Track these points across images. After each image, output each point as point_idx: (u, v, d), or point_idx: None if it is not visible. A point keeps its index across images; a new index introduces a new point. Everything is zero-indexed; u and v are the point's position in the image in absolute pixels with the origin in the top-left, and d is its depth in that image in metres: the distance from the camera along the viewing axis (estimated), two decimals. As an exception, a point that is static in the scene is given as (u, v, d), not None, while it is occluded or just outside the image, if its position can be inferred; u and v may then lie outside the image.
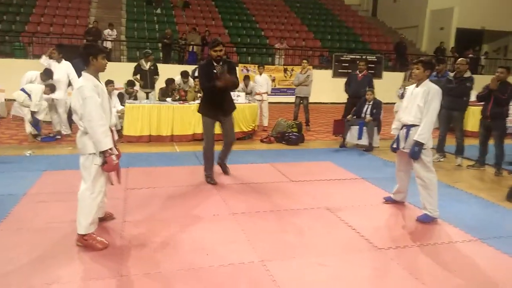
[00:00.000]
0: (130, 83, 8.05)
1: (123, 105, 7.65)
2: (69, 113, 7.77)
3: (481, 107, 6.18)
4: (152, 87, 9.07)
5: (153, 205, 4.33)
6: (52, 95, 7.23)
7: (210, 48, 4.95)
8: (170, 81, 8.60)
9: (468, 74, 6.39)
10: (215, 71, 4.87)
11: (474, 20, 19.53)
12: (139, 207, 4.25)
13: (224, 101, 5.06)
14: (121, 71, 10.54)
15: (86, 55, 3.26)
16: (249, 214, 4.17)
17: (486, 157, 6.33)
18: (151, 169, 5.69)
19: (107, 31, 14.40)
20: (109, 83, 7.81)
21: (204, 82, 4.97)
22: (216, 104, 5.00)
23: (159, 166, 5.85)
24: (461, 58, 6.52)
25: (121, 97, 7.97)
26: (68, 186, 4.75)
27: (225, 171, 5.58)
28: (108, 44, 14.15)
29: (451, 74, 6.51)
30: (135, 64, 9.20)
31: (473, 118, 8.62)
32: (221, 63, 4.90)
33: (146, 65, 8.85)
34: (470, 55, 18.60)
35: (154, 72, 9.00)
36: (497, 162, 6.03)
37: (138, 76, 8.85)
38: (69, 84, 7.58)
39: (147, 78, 8.83)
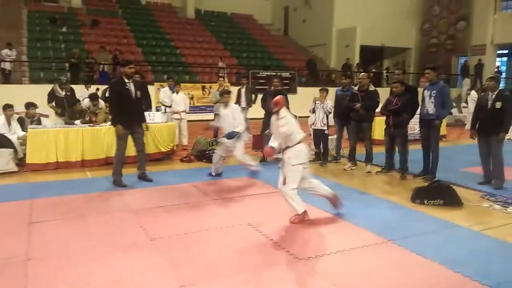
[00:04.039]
0: (29, 105, 7.39)
1: (25, 131, 7.00)
2: None
3: (385, 118, 6.71)
4: None
5: (62, 238, 3.96)
6: None
7: (124, 66, 5.85)
8: (74, 102, 8.11)
9: (372, 88, 6.90)
10: (127, 87, 5.69)
11: (375, 38, 21.36)
12: (45, 242, 3.86)
13: (135, 110, 5.79)
14: (22, 94, 9.71)
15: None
16: (169, 238, 4.00)
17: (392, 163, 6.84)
18: (59, 199, 5.23)
19: (5, 51, 13.25)
20: (7, 107, 7.12)
21: (114, 100, 5.81)
22: (128, 113, 5.66)
23: (69, 195, 5.40)
24: (363, 73, 7.02)
25: (21, 122, 7.28)
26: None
27: (149, 179, 6.06)
28: (7, 65, 13.00)
29: (355, 88, 6.97)
30: (41, 86, 8.53)
31: (378, 127, 9.30)
32: (131, 80, 5.77)
33: (62, 92, 8.20)
34: (373, 70, 20.28)
35: (71, 98, 8.34)
36: (402, 167, 6.54)
37: (53, 104, 8.18)
38: None
39: (64, 105, 8.18)
